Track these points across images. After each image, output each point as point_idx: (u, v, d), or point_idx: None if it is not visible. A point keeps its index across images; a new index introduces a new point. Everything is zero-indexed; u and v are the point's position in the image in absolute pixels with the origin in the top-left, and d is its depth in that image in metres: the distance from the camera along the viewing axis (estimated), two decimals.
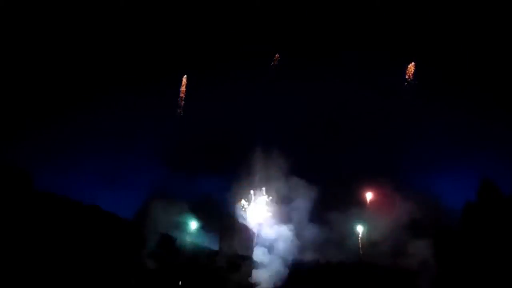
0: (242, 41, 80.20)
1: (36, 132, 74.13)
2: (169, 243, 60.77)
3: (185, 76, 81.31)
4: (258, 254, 62.29)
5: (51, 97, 74.64)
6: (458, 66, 73.98)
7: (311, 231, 63.67)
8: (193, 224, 62.74)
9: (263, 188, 65.10)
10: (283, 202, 65.77)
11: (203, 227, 63.34)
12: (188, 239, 61.94)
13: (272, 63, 78.23)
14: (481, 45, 73.12)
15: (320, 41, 79.87)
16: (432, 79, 75.88)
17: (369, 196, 64.15)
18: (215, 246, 63.91)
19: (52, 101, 74.66)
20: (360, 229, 60.40)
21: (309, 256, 63.34)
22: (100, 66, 77.59)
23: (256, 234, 64.07)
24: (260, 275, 60.18)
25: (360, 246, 59.37)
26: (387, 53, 76.14)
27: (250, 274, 59.63)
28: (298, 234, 63.70)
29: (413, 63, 65.56)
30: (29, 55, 73.52)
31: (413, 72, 68.93)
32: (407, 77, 68.51)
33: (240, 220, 65.13)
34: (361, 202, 64.44)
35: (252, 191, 64.96)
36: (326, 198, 65.55)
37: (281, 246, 62.83)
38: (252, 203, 65.02)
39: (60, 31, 75.42)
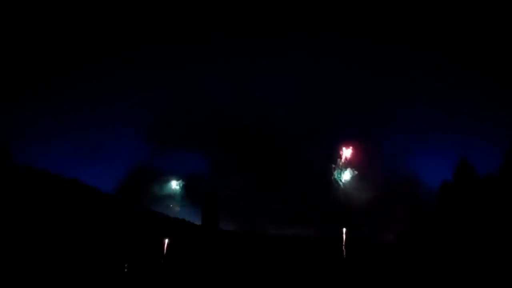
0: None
1: (15, 104, 72.18)
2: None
3: None
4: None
5: (30, 69, 72.59)
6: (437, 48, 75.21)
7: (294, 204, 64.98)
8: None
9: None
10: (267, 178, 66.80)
11: (186, 202, 63.73)
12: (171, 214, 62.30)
13: None
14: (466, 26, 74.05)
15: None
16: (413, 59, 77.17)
17: (348, 173, 65.23)
18: (197, 221, 64.66)
19: (31, 73, 72.69)
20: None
21: (289, 230, 64.83)
22: (80, 37, 75.48)
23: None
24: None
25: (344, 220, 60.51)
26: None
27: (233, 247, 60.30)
28: (280, 207, 64.98)
29: None
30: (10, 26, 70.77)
31: None
32: None
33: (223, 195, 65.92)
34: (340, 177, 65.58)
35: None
36: (308, 175, 66.79)
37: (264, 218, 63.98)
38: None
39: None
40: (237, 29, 79.71)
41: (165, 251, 58.94)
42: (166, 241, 58.79)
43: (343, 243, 60.42)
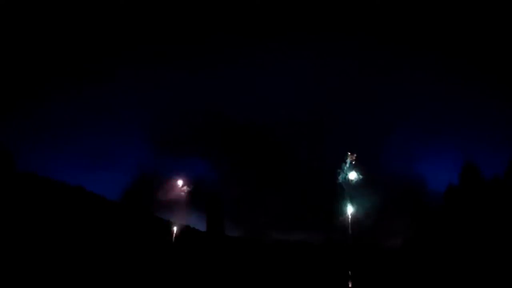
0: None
1: (18, 111, 71.09)
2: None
3: None
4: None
5: (32, 74, 71.50)
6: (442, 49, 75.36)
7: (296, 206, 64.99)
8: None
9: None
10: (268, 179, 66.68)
11: (191, 208, 63.41)
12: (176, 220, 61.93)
13: None
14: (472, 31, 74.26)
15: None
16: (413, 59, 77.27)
17: (352, 177, 64.99)
18: (202, 227, 64.53)
19: (33, 79, 71.61)
20: (349, 210, 61.23)
21: (292, 234, 64.88)
22: (83, 42, 74.48)
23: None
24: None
25: (349, 225, 60.53)
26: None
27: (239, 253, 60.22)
28: (282, 208, 65.00)
29: None
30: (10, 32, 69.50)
31: None
32: None
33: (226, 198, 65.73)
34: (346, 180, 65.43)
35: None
36: (309, 175, 66.73)
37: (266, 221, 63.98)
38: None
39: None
40: (237, 29, 79.31)
41: (170, 257, 58.88)
42: (171, 247, 58.84)
43: (347, 248, 60.76)
